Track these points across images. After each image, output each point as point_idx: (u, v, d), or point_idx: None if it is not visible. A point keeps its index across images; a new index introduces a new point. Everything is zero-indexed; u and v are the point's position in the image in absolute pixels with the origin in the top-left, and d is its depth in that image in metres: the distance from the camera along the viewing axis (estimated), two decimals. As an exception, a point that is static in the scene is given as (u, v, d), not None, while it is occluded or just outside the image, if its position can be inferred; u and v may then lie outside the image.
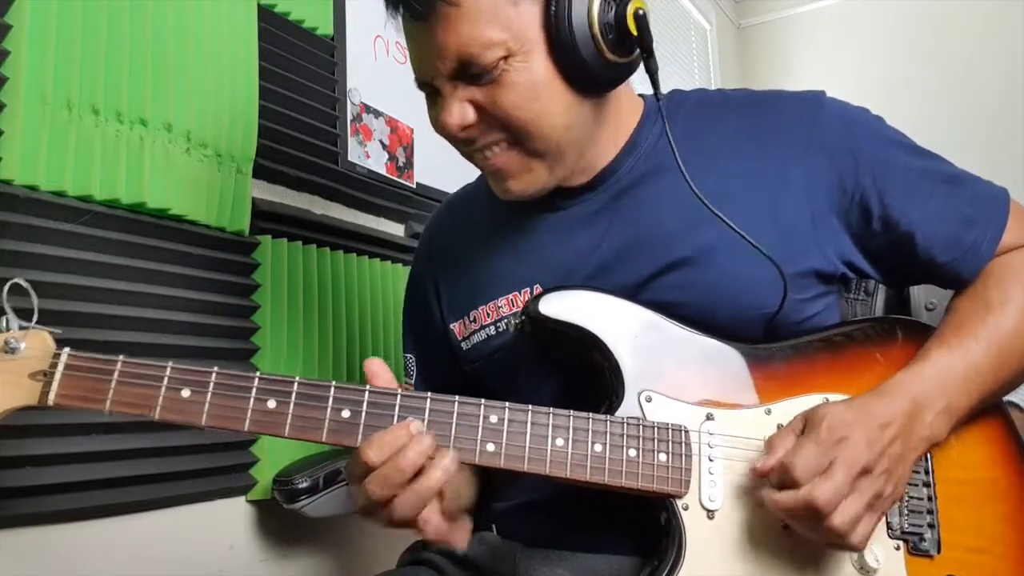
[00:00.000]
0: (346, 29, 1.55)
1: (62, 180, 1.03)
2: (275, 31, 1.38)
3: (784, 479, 0.72)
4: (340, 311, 1.45)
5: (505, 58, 0.79)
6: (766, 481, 0.74)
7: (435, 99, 0.86)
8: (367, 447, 0.71)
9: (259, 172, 1.32)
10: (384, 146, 1.60)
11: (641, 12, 0.81)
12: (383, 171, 1.59)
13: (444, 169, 1.69)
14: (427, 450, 0.71)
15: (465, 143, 0.86)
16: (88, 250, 1.06)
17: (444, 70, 0.81)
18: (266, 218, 1.33)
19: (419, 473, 0.71)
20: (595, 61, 0.81)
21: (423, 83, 0.86)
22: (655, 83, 0.86)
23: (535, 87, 0.81)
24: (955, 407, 0.80)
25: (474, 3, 0.78)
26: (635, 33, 0.81)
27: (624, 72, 0.86)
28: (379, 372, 0.77)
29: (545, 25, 0.80)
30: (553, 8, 0.80)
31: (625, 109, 0.94)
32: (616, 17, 0.81)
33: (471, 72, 0.80)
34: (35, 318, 0.73)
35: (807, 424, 0.76)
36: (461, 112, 0.82)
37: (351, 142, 1.51)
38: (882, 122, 0.93)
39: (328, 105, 1.48)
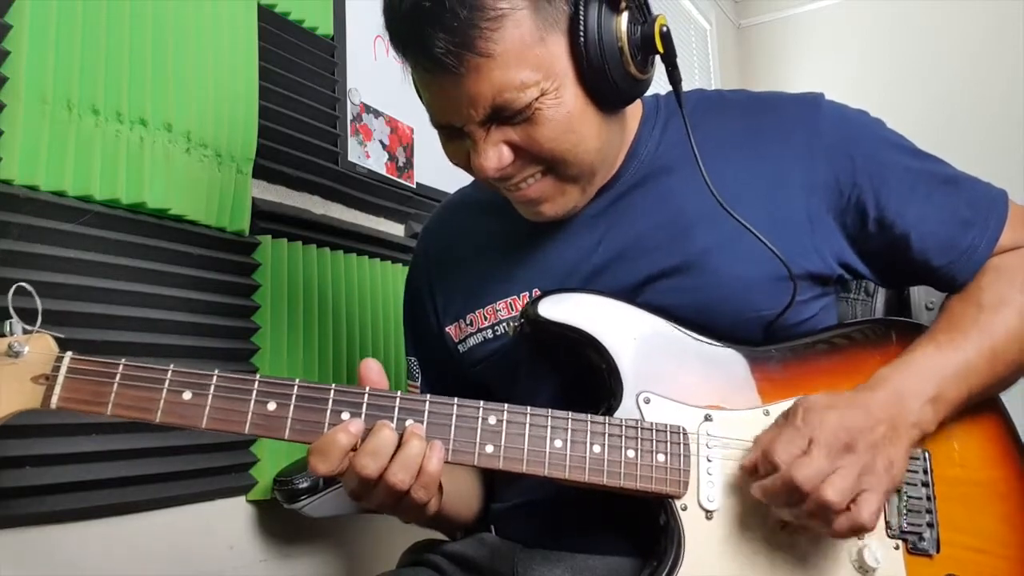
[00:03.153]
0: (346, 29, 1.55)
1: (62, 180, 1.03)
2: (275, 31, 1.38)
3: (766, 466, 0.73)
4: (340, 311, 1.45)
5: (538, 96, 0.78)
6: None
7: (455, 137, 0.84)
8: (309, 456, 0.72)
9: (259, 172, 1.32)
10: (384, 146, 1.60)
11: (666, 29, 0.81)
12: (383, 171, 1.59)
13: (444, 169, 1.66)
14: (394, 427, 0.73)
15: (499, 180, 0.84)
16: (88, 250, 1.06)
17: (476, 117, 0.79)
18: (266, 218, 1.33)
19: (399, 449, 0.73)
20: (624, 81, 0.81)
21: (445, 126, 0.84)
22: (678, 94, 0.86)
23: (570, 118, 0.81)
24: (945, 398, 0.80)
25: (504, 50, 0.76)
26: (662, 50, 0.82)
27: (646, 85, 0.86)
28: (374, 378, 0.78)
29: (574, 55, 0.80)
30: (581, 37, 0.79)
31: (630, 115, 0.94)
32: (643, 36, 0.81)
33: (504, 114, 0.79)
34: (39, 321, 0.73)
35: (787, 415, 0.77)
36: (498, 155, 0.81)
37: (351, 142, 1.51)
38: (881, 124, 0.93)
39: (328, 105, 1.48)
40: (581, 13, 0.78)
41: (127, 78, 1.11)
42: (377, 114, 1.59)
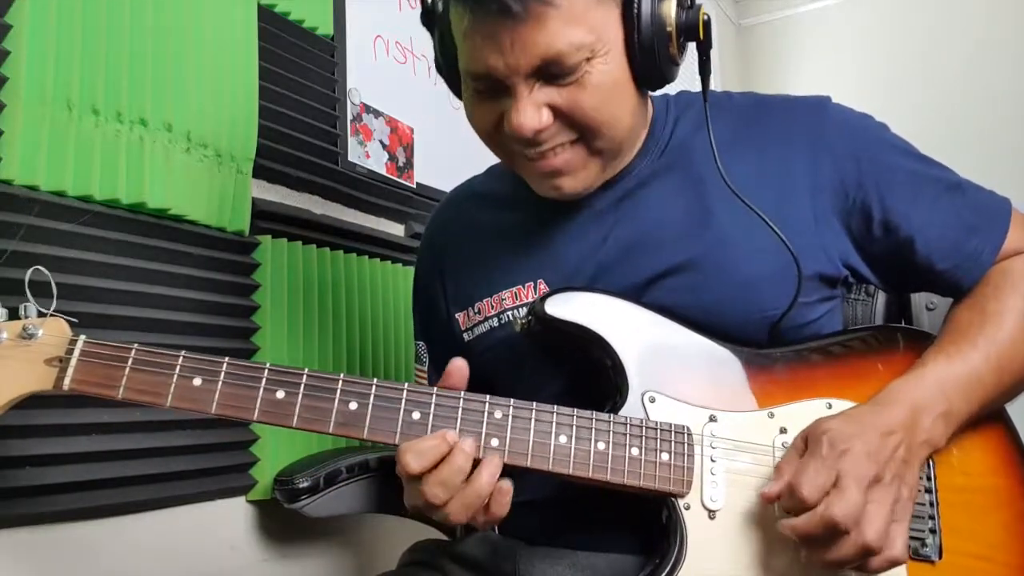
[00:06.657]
0: (346, 29, 1.55)
1: (62, 180, 1.02)
2: (275, 31, 1.37)
3: (792, 501, 0.72)
4: (340, 311, 1.45)
5: (588, 59, 0.79)
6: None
7: (489, 96, 0.83)
8: (404, 454, 0.73)
9: (259, 172, 1.32)
10: (384, 146, 1.60)
11: (708, 18, 0.82)
12: (383, 171, 1.59)
13: (444, 169, 1.70)
14: (472, 454, 0.73)
15: (528, 144, 0.83)
16: (88, 250, 1.06)
17: (524, 68, 0.78)
18: (266, 218, 1.33)
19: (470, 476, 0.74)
20: (664, 62, 0.82)
21: (485, 77, 0.81)
22: (705, 83, 0.87)
23: (615, 87, 0.81)
24: (955, 412, 0.80)
25: (569, 4, 0.76)
26: (702, 37, 0.83)
27: (677, 73, 0.86)
28: (452, 372, 0.78)
29: (625, 26, 0.81)
30: (635, 9, 0.80)
31: (648, 109, 0.94)
32: (687, 21, 0.82)
33: (552, 72, 0.79)
34: (53, 305, 0.74)
35: (808, 442, 0.76)
36: (538, 115, 0.80)
37: (351, 142, 1.51)
38: (886, 128, 0.94)
39: (328, 105, 1.48)
40: None
41: (127, 78, 1.11)
42: (377, 114, 1.59)
